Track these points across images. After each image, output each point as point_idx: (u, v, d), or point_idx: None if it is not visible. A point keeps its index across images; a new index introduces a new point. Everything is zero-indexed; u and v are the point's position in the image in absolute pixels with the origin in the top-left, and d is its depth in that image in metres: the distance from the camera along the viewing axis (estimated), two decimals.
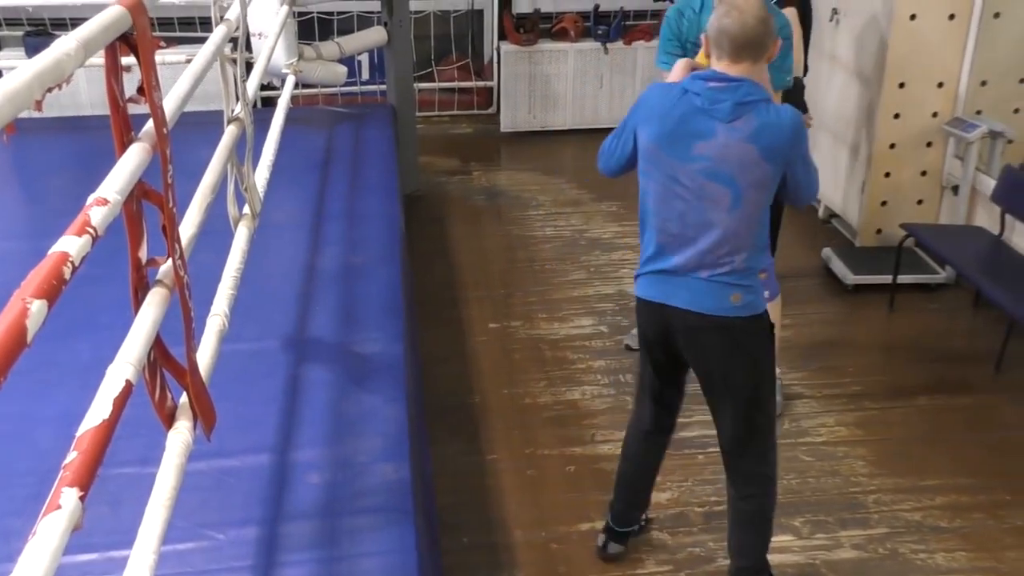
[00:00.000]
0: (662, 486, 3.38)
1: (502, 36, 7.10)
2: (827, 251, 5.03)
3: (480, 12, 7.49)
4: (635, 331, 4.47)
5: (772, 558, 3.06)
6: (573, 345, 4.37)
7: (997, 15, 4.58)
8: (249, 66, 3.49)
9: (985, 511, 3.27)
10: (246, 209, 2.65)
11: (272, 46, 3.48)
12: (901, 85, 4.76)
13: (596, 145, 7.67)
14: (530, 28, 7.02)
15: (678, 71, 2.70)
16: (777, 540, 3.13)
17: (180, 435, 1.58)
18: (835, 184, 5.39)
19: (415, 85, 6.59)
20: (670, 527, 3.21)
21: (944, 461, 3.54)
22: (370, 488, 2.34)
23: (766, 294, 2.66)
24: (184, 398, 1.62)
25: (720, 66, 2.45)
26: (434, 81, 7.45)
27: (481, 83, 7.53)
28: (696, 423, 3.73)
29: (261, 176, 2.92)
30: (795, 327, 4.44)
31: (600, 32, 7.01)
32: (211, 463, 2.35)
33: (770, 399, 2.72)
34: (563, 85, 7.13)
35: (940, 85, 4.76)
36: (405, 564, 2.08)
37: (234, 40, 2.60)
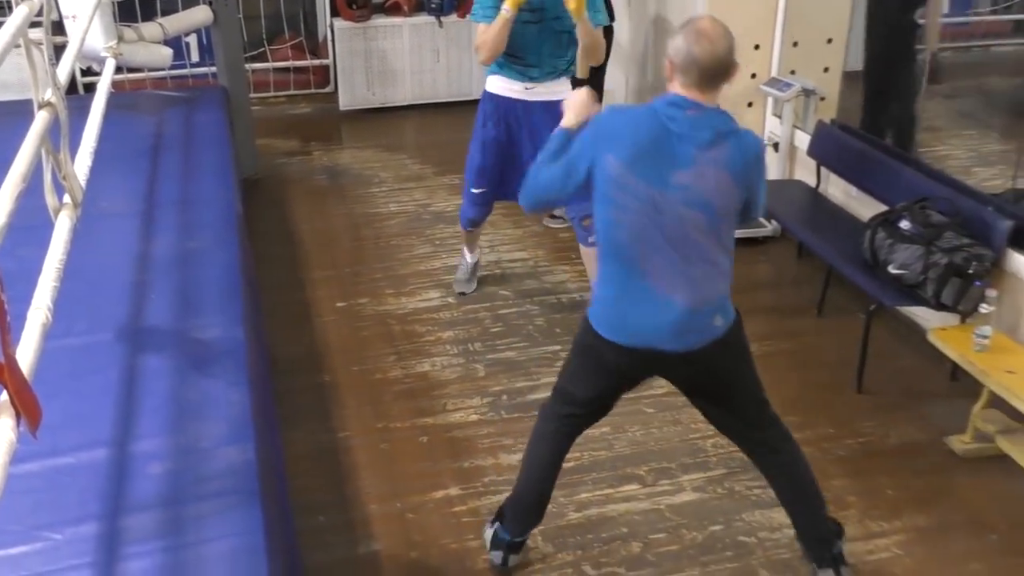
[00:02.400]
0: (513, 448, 3.47)
1: (335, 13, 7.01)
2: None
3: None
4: (463, 276, 4.60)
5: (618, 507, 3.21)
6: (421, 318, 4.41)
7: None
8: (62, 50, 3.35)
9: (812, 445, 3.49)
10: (66, 198, 2.55)
11: (85, 28, 3.34)
12: None
13: (437, 120, 7.75)
14: (363, 4, 6.95)
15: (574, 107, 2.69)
16: (623, 489, 3.29)
17: (2, 434, 1.54)
18: None
19: (248, 66, 6.45)
20: None
21: (775, 401, 3.69)
22: (214, 473, 2.32)
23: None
24: (4, 396, 1.57)
25: (683, 91, 2.40)
26: (267, 61, 7.29)
27: (317, 61, 7.42)
28: (543, 385, 3.85)
29: (83, 164, 2.81)
30: None
31: (434, 6, 7.00)
32: (43, 462, 2.28)
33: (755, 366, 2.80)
34: (400, 61, 7.11)
35: (756, 47, 5.00)
36: (252, 546, 2.08)
37: (38, 23, 2.48)
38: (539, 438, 2.88)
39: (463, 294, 4.57)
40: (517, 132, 4.08)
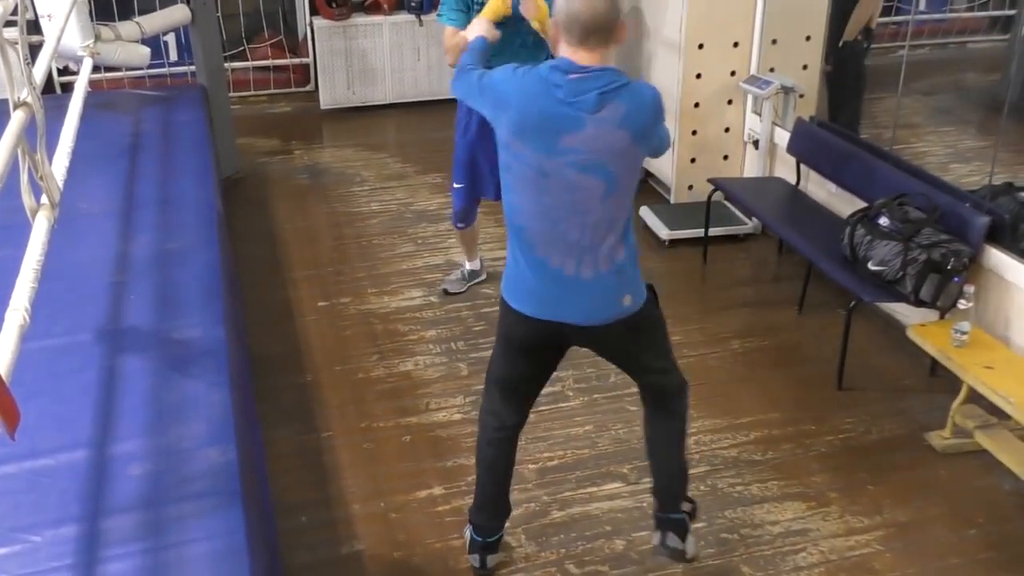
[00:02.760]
0: None
1: (314, 11, 6.98)
2: (644, 209, 5.24)
3: None
4: (456, 276, 4.60)
5: (602, 505, 3.22)
6: (404, 317, 4.40)
7: None
8: (38, 50, 3.32)
9: (793, 441, 3.52)
10: (44, 199, 2.53)
11: (61, 28, 3.31)
12: (700, 46, 4.98)
13: (418, 118, 7.71)
14: (342, 2, 6.93)
15: (478, 29, 2.71)
16: (607, 488, 3.29)
17: None
18: None
19: (227, 64, 6.41)
20: None
21: (756, 399, 3.78)
22: (195, 474, 2.31)
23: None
24: None
25: (569, 53, 2.38)
26: (247, 60, 7.25)
27: (297, 60, 7.39)
28: None
29: (60, 164, 2.79)
30: None
31: (413, 4, 6.99)
32: (22, 464, 2.27)
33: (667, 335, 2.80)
34: (380, 59, 7.09)
35: (736, 45, 5.02)
36: (233, 546, 2.07)
37: (13, 22, 2.46)
38: (486, 444, 2.86)
39: (446, 291, 4.57)
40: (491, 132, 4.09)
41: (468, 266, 4.67)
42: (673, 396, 2.81)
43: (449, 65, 3.96)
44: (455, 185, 4.30)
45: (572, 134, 2.35)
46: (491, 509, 2.91)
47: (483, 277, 4.69)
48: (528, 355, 2.72)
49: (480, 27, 3.01)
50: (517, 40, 3.87)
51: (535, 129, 2.39)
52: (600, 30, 2.36)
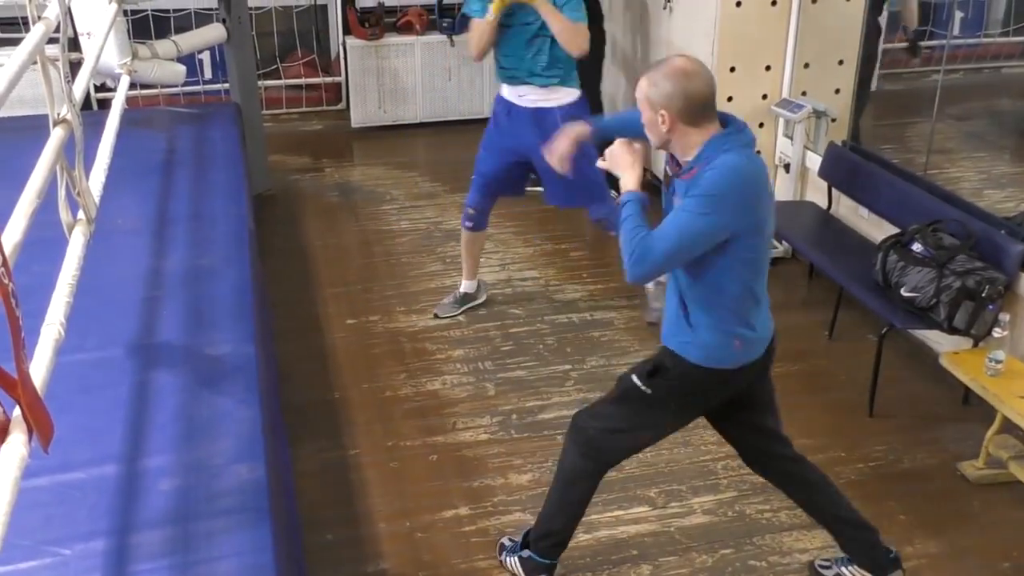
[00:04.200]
0: (523, 468, 3.47)
1: (347, 31, 7.05)
2: None
3: (324, 7, 7.42)
4: (449, 300, 4.58)
5: (628, 529, 3.20)
6: (432, 336, 4.40)
7: (815, 0, 4.85)
8: (78, 67, 3.37)
9: (823, 468, 3.45)
10: (80, 214, 2.57)
11: (100, 46, 3.36)
12: (732, 69, 4.97)
13: (448, 138, 7.75)
14: (375, 22, 6.99)
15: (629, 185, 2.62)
16: (633, 512, 3.27)
17: (14, 449, 1.54)
18: None
19: (260, 83, 6.48)
20: (532, 507, 3.27)
21: (786, 425, 3.72)
22: (224, 490, 2.32)
23: None
24: (17, 411, 1.57)
25: (707, 130, 2.38)
26: (280, 78, 7.33)
27: (329, 79, 7.45)
28: (553, 405, 3.84)
29: (96, 180, 2.82)
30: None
31: (445, 25, 7.04)
32: (54, 478, 2.28)
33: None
34: (412, 79, 7.13)
35: (767, 68, 5.01)
36: (262, 564, 2.08)
37: (55, 39, 2.50)
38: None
39: (437, 315, 4.53)
40: (505, 132, 4.25)
41: (463, 287, 4.60)
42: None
43: (473, 58, 4.24)
44: (474, 177, 4.41)
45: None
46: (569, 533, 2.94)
47: (481, 300, 4.62)
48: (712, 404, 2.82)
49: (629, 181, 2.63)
50: (521, 40, 4.02)
51: (763, 190, 2.48)
52: (714, 105, 2.42)
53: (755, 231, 2.43)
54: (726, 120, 2.45)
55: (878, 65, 5.29)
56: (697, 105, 2.36)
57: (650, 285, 4.36)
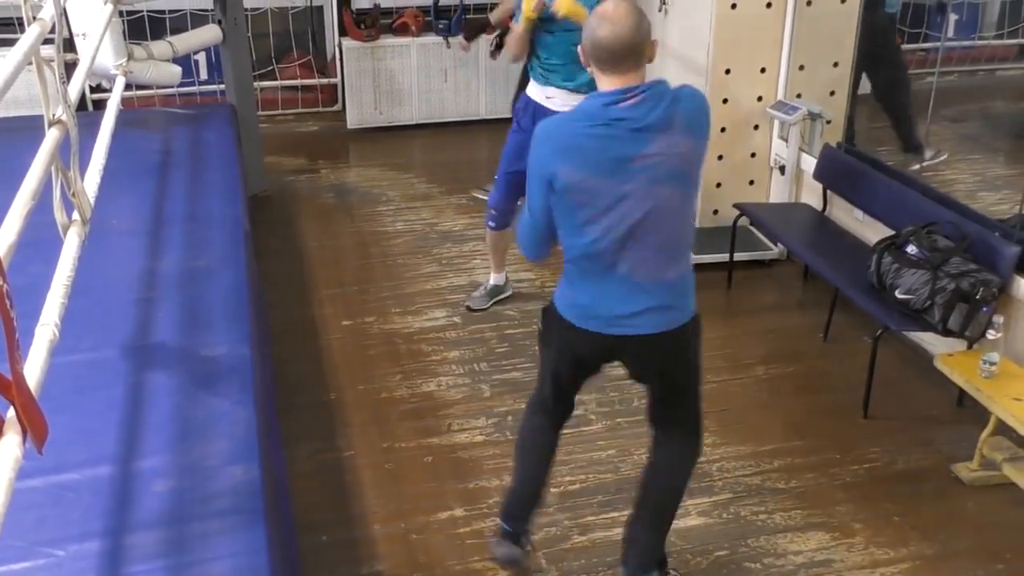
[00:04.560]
0: None
1: (343, 32, 7.05)
2: None
3: (320, 8, 7.42)
4: (480, 292, 4.63)
5: (623, 531, 3.19)
6: (428, 337, 4.40)
7: (809, 3, 4.86)
8: (73, 68, 3.37)
9: (818, 470, 3.49)
10: (75, 215, 2.56)
11: (96, 46, 3.36)
12: (727, 71, 4.98)
13: (444, 139, 7.75)
14: (371, 24, 6.99)
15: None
16: (628, 513, 3.25)
17: (8, 449, 1.54)
18: None
19: (256, 84, 6.48)
20: None
21: (780, 426, 3.75)
22: (219, 491, 2.31)
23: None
24: (11, 412, 1.57)
25: (607, 81, 2.40)
26: (276, 79, 7.33)
27: (325, 80, 7.45)
28: None
29: (92, 181, 2.82)
30: None
31: (441, 26, 7.04)
32: (48, 479, 2.28)
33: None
34: (408, 80, 7.13)
35: (763, 70, 5.02)
36: (256, 565, 2.07)
37: (50, 40, 2.50)
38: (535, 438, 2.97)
39: (469, 308, 4.59)
40: (529, 133, 4.20)
41: (492, 280, 4.68)
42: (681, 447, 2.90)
43: (514, 59, 4.33)
44: (497, 176, 4.42)
45: (645, 153, 2.37)
46: (533, 497, 2.96)
47: (508, 293, 4.70)
48: (581, 363, 2.83)
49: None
50: (564, 47, 4.00)
51: (607, 164, 2.38)
52: (633, 54, 2.38)
53: (556, 191, 2.43)
54: (645, 86, 2.39)
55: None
56: (600, 52, 2.37)
57: None
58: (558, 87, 4.12)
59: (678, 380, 2.76)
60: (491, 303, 4.64)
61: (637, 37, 2.37)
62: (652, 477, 2.86)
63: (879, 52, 5.17)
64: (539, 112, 4.13)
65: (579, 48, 2.47)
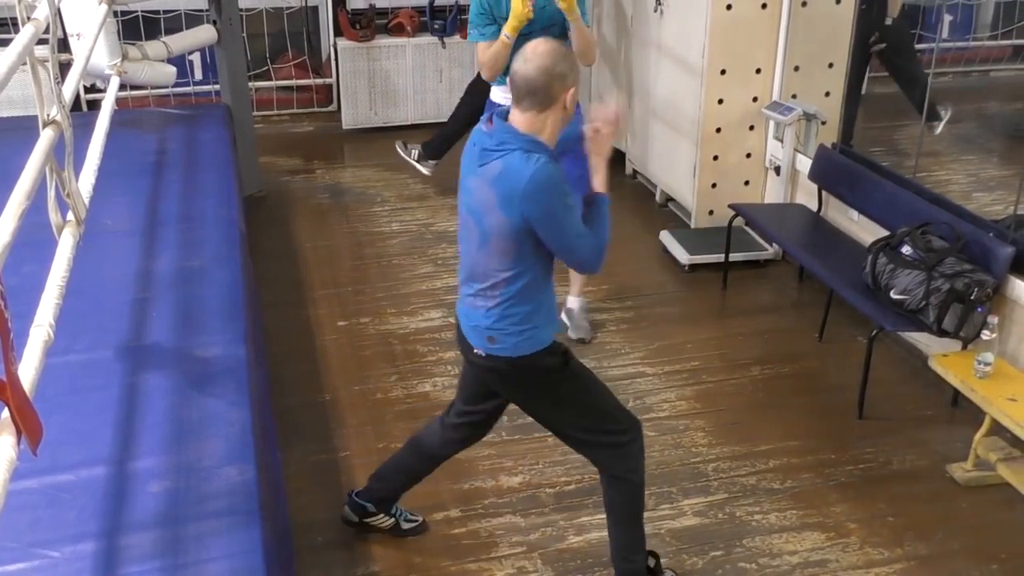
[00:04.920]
0: (513, 470, 3.47)
1: (338, 33, 7.04)
2: (664, 234, 5.23)
3: (315, 8, 7.41)
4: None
5: None
6: (423, 338, 4.40)
7: (804, 3, 4.87)
8: (67, 68, 3.36)
9: (813, 470, 3.49)
10: (70, 216, 2.56)
11: (91, 47, 3.35)
12: (723, 72, 4.99)
13: None
14: (366, 24, 6.99)
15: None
16: None
17: (2, 451, 1.53)
18: (669, 169, 5.61)
19: (251, 84, 6.47)
20: (522, 510, 3.29)
21: (775, 427, 3.76)
22: (214, 492, 2.31)
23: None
24: (6, 413, 1.57)
25: (513, 110, 2.44)
26: (271, 79, 7.32)
27: (320, 80, 7.45)
28: None
29: (86, 181, 2.82)
30: (636, 308, 4.63)
31: (436, 27, 7.04)
32: (43, 479, 2.27)
33: (594, 421, 2.73)
34: (403, 80, 7.13)
35: (758, 71, 5.02)
36: (252, 566, 2.07)
37: (45, 40, 2.49)
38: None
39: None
40: None
41: None
42: (602, 477, 2.82)
43: (487, 79, 4.08)
44: None
45: (472, 176, 2.48)
46: (403, 484, 3.09)
47: None
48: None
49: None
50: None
51: (465, 164, 2.54)
52: (533, 94, 2.36)
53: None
54: (503, 126, 2.44)
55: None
56: (511, 83, 2.41)
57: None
58: None
59: None
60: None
61: (543, 79, 2.35)
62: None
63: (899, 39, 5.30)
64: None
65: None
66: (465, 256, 2.60)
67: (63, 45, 4.55)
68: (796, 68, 4.97)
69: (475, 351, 2.62)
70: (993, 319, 3.43)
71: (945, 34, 6.91)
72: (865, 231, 4.39)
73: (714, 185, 5.26)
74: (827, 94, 5.01)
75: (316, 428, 3.73)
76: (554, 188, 2.36)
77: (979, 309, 3.51)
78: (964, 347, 3.62)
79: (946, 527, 3.23)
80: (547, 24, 3.88)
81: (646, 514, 3.24)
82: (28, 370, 1.75)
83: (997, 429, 3.36)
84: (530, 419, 3.71)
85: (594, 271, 2.61)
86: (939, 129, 5.32)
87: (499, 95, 4.18)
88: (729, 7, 4.85)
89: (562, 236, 2.44)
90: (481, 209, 2.43)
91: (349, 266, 5.15)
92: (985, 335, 3.42)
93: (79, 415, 2.59)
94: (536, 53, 2.37)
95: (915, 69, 5.50)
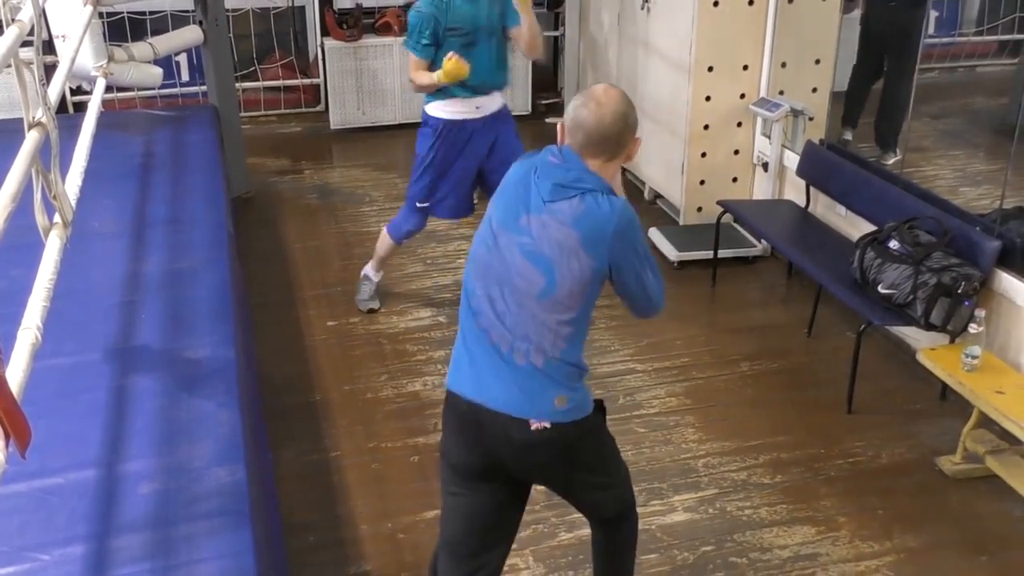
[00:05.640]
0: None
1: (325, 33, 7.03)
2: (653, 231, 5.24)
3: (301, 8, 7.39)
4: (366, 296, 4.61)
5: None
6: (413, 337, 4.40)
7: (791, 0, 4.88)
8: (53, 70, 3.35)
9: (802, 465, 3.51)
10: (56, 218, 2.55)
11: (76, 48, 3.34)
12: (710, 69, 5.00)
13: None
14: (353, 24, 6.98)
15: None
16: None
17: None
18: (658, 166, 5.62)
19: (238, 85, 6.45)
20: None
21: (765, 422, 3.77)
22: (204, 493, 2.31)
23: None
24: None
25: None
26: (258, 80, 7.30)
27: (307, 81, 7.43)
28: None
29: (73, 183, 2.80)
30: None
31: None
32: (31, 483, 2.26)
33: (616, 470, 2.52)
34: (390, 80, 7.12)
35: (745, 68, 5.04)
36: (243, 567, 2.07)
37: (30, 42, 2.49)
38: None
39: (372, 311, 4.59)
40: (460, 151, 4.26)
41: (375, 278, 4.67)
42: (604, 527, 2.60)
43: (414, 91, 4.24)
44: (419, 204, 4.42)
45: (531, 214, 2.18)
46: None
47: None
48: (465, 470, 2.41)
49: None
50: (489, 54, 4.09)
51: (508, 198, 2.25)
52: (605, 141, 2.18)
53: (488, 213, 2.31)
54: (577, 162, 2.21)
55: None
56: (576, 131, 2.20)
57: None
58: (489, 93, 4.19)
59: None
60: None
61: (617, 128, 2.19)
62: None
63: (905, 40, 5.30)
64: (461, 131, 4.20)
65: (558, 126, 2.27)
66: (503, 308, 2.22)
67: (48, 47, 4.54)
68: (783, 64, 4.99)
69: (532, 427, 2.22)
70: (980, 313, 3.45)
71: (931, 30, 6.94)
72: (853, 226, 4.41)
73: (702, 182, 5.27)
74: (814, 90, 5.02)
75: (306, 428, 3.72)
76: (639, 228, 2.23)
77: (966, 303, 3.53)
78: (952, 341, 3.64)
79: (935, 519, 3.25)
80: (492, 30, 4.01)
81: (637, 510, 3.27)
82: (16, 373, 1.75)
83: (985, 422, 3.38)
84: None
85: (657, 314, 2.43)
86: (890, 161, 5.31)
87: (444, 109, 4.17)
88: (716, 3, 4.86)
89: (643, 277, 2.25)
90: (553, 253, 2.15)
91: (338, 266, 5.14)
92: (972, 329, 3.44)
93: (68, 418, 2.58)
94: (609, 98, 2.19)
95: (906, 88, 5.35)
